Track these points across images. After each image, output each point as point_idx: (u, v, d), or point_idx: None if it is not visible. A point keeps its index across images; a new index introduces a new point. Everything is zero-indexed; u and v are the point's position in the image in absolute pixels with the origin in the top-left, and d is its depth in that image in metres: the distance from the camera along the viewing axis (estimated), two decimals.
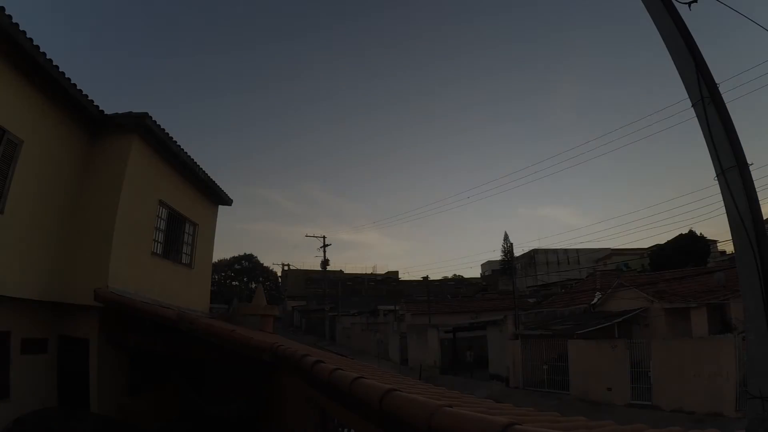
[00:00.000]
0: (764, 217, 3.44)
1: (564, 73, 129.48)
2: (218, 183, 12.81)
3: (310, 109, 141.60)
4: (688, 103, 3.88)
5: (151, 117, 8.73)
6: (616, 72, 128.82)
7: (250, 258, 78.00)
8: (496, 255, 66.78)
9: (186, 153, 10.52)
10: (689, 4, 4.11)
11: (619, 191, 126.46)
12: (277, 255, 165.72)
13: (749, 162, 3.49)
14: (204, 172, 11.76)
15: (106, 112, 8.70)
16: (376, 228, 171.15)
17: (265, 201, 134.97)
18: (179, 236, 11.42)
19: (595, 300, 22.40)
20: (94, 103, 8.39)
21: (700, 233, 32.48)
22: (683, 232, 32.63)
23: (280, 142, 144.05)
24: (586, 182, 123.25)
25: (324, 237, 48.77)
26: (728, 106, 3.72)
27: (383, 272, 74.72)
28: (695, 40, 3.91)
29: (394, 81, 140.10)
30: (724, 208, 3.52)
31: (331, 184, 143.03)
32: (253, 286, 66.90)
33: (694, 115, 3.83)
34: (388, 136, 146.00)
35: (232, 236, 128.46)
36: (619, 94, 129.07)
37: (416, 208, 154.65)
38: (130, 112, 8.78)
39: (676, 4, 4.09)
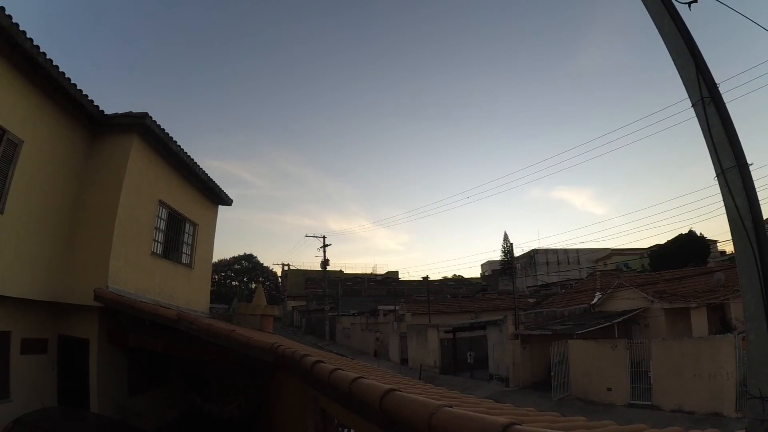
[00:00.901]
0: (764, 217, 3.43)
1: (566, 74, 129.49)
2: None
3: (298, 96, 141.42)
4: (688, 103, 3.88)
5: (151, 117, 8.73)
6: (617, 72, 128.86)
7: (250, 258, 78.13)
8: (496, 255, 66.87)
9: (186, 153, 10.52)
10: (689, 4, 4.11)
11: (619, 191, 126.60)
12: (277, 255, 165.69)
13: (749, 162, 3.48)
14: (204, 172, 11.76)
15: (106, 112, 8.70)
16: (376, 227, 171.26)
17: (238, 181, 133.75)
18: (179, 236, 11.42)
19: (595, 300, 22.38)
20: (94, 103, 8.39)
21: (700, 233, 32.47)
22: (683, 232, 32.63)
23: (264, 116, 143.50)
24: (586, 182, 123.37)
25: (324, 237, 48.75)
26: (728, 106, 3.73)
27: (383, 272, 74.74)
28: (695, 40, 3.91)
29: (394, 76, 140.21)
30: (724, 208, 3.51)
31: (324, 173, 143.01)
32: (253, 286, 66.96)
33: (694, 115, 3.83)
34: (388, 133, 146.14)
35: (232, 236, 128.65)
36: (619, 93, 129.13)
37: (417, 207, 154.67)
38: (130, 112, 8.79)
39: (676, 4, 4.09)
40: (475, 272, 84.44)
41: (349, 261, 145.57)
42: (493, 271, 62.76)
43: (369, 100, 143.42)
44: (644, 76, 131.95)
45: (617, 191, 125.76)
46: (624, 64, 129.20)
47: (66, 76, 7.49)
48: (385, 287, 64.43)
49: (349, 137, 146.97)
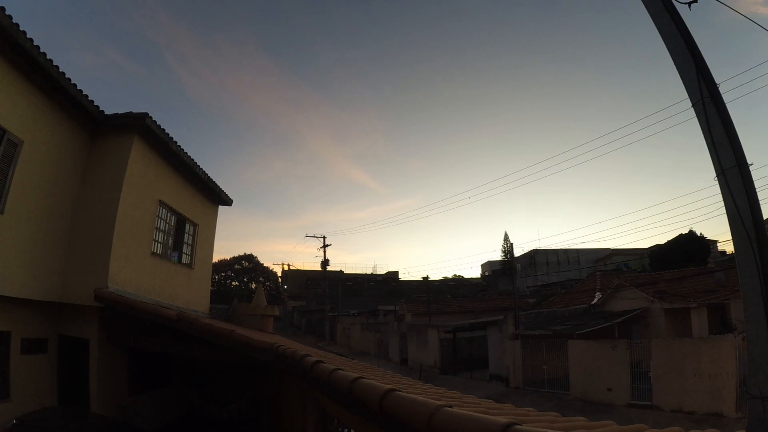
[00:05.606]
0: (764, 217, 3.43)
1: (565, 73, 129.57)
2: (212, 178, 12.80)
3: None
4: (688, 103, 3.88)
5: (151, 117, 8.74)
6: (618, 72, 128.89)
7: (250, 258, 78.03)
8: (496, 255, 67.00)
9: (186, 153, 10.52)
10: (689, 4, 4.11)
11: (619, 191, 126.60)
12: (277, 255, 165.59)
13: (749, 162, 3.48)
14: (204, 172, 11.77)
15: (106, 112, 8.71)
16: (377, 227, 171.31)
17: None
18: (179, 236, 11.43)
19: (595, 300, 22.39)
20: (95, 103, 8.39)
21: (700, 233, 32.49)
22: (683, 232, 32.66)
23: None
24: (586, 182, 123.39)
25: (324, 237, 48.75)
26: (728, 106, 3.72)
27: (383, 272, 74.76)
28: (695, 40, 3.91)
29: (393, 76, 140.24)
30: (724, 208, 3.51)
31: (324, 173, 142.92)
32: (253, 286, 66.96)
33: (694, 115, 3.83)
34: (388, 132, 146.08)
35: (232, 236, 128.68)
36: (620, 93, 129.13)
37: (417, 207, 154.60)
38: (130, 112, 8.79)
39: (676, 4, 4.09)
40: (475, 272, 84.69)
41: (349, 261, 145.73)
42: (493, 271, 62.81)
43: (367, 98, 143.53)
44: (644, 76, 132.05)
45: (617, 191, 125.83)
46: (624, 63, 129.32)
47: (66, 77, 7.49)
48: (385, 287, 64.49)
49: (349, 136, 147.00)
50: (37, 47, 6.72)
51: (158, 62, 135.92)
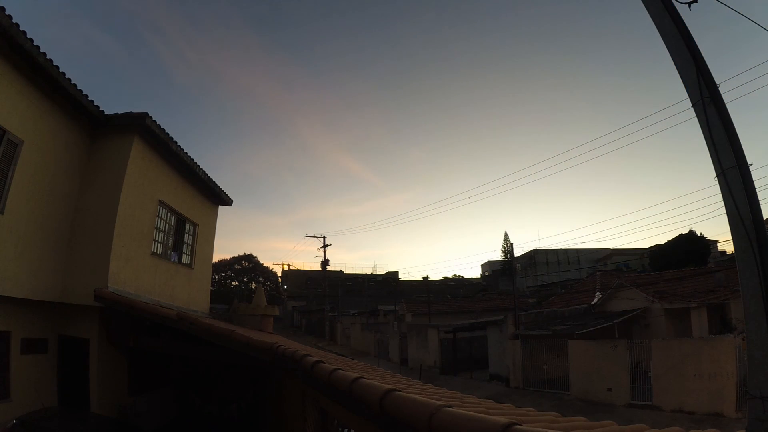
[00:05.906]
0: (764, 217, 3.43)
1: (566, 73, 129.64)
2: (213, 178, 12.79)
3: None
4: (688, 103, 3.88)
5: (151, 117, 8.74)
6: (618, 72, 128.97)
7: (250, 258, 78.08)
8: (496, 255, 67.06)
9: (186, 153, 10.52)
10: (689, 4, 4.11)
11: (619, 191, 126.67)
12: (277, 254, 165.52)
13: (749, 162, 3.48)
14: (204, 172, 11.76)
15: (106, 113, 8.71)
16: (377, 227, 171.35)
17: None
18: (179, 236, 11.43)
19: (595, 300, 22.38)
20: (95, 103, 8.39)
21: (700, 233, 32.48)
22: (683, 232, 32.65)
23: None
24: (586, 182, 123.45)
25: (324, 237, 48.78)
26: (728, 106, 3.72)
27: (383, 272, 74.75)
28: (695, 40, 3.91)
29: (393, 75, 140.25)
30: (724, 208, 3.51)
31: (325, 172, 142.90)
32: (253, 286, 67.02)
33: (694, 115, 3.83)
34: (389, 133, 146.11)
35: (229, 234, 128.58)
36: (620, 93, 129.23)
37: (417, 207, 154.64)
38: (130, 112, 8.80)
39: (676, 4, 4.09)
40: (475, 272, 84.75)
41: (349, 260, 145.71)
42: (493, 271, 62.84)
43: (365, 97, 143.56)
44: (644, 76, 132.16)
45: (617, 191, 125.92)
46: (624, 63, 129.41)
47: (66, 77, 7.50)
48: (385, 287, 64.48)
49: (349, 135, 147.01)
50: (37, 47, 6.72)
51: (138, 38, 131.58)
